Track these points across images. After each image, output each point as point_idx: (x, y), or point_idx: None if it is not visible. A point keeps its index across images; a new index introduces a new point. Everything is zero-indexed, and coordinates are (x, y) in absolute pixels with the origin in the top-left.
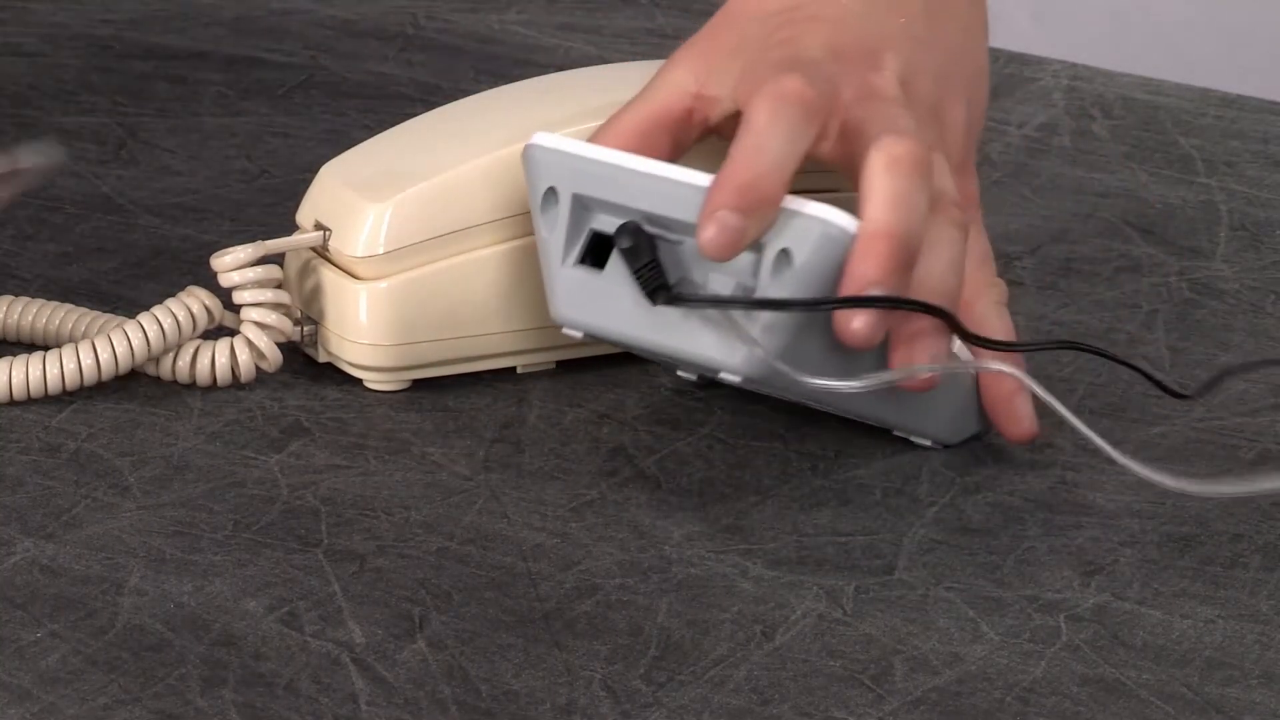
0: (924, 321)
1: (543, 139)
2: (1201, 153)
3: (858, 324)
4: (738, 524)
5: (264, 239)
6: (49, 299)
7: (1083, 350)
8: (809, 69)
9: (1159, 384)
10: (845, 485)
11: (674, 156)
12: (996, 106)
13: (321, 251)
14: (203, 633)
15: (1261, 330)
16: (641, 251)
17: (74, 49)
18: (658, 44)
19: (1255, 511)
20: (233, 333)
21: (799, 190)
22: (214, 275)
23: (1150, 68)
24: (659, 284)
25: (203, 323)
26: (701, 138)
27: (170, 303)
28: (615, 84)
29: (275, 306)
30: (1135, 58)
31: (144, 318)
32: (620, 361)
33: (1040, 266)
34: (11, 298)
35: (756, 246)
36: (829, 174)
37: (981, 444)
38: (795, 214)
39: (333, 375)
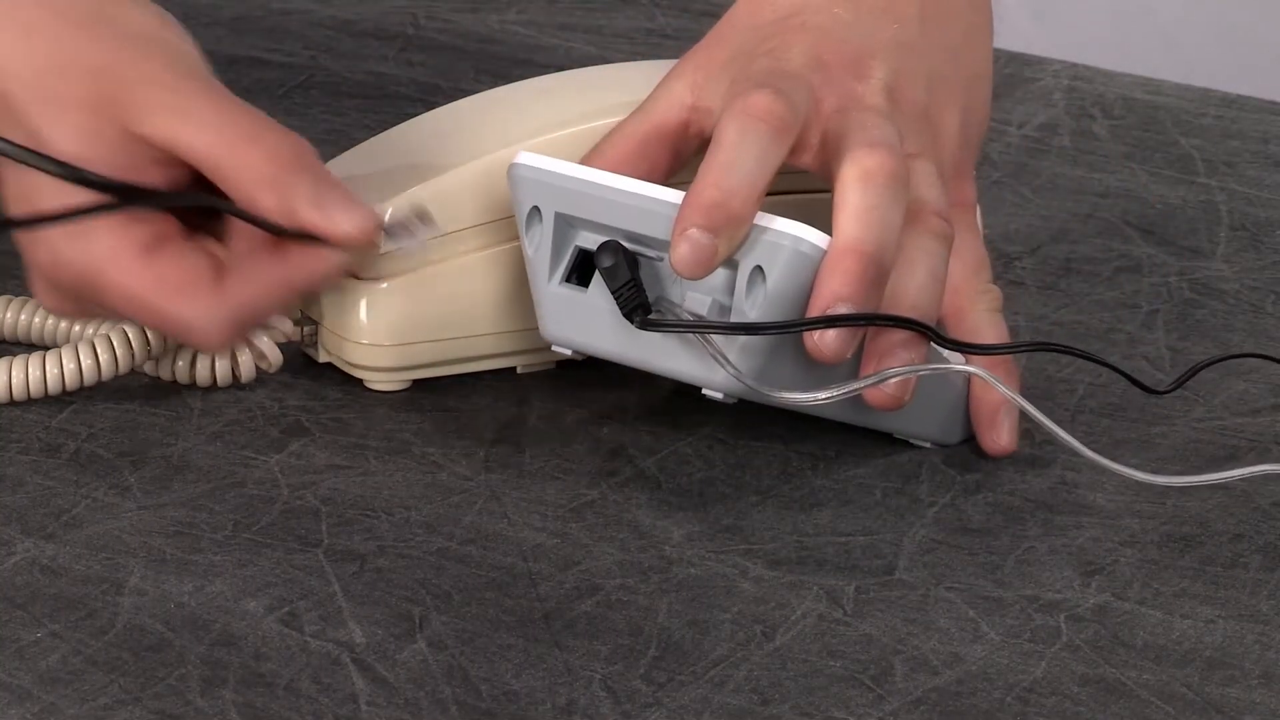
0: (897, 335)
1: (526, 159)
2: (1201, 153)
3: (826, 341)
4: (738, 524)
5: None
6: None
7: (1055, 350)
8: (786, 82)
9: (1132, 380)
10: (845, 485)
11: (674, 168)
12: (996, 106)
13: None
14: (203, 633)
15: (1261, 330)
16: (621, 271)
17: None
18: (658, 44)
19: (1255, 511)
20: None
21: (800, 191)
22: None
23: (1150, 68)
24: (637, 303)
25: None
26: (700, 149)
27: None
28: (615, 84)
29: None
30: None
31: None
32: None
33: (1040, 266)
34: (11, 298)
35: (731, 264)
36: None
37: None
38: (767, 231)
39: (333, 375)
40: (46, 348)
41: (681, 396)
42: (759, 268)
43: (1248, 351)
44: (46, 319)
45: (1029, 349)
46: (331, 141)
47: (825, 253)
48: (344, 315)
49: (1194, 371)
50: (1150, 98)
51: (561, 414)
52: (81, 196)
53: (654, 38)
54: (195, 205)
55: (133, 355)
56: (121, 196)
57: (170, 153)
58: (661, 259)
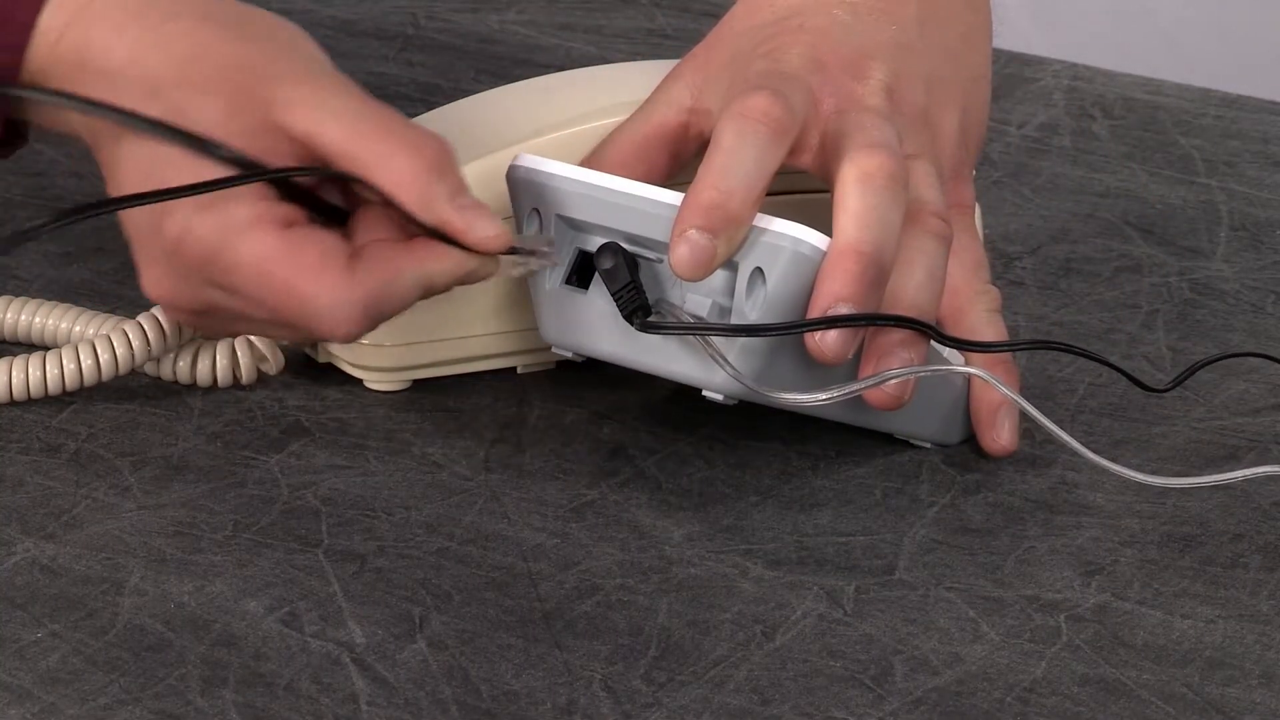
0: (897, 335)
1: (525, 160)
2: (1201, 153)
3: (826, 342)
4: (738, 524)
5: None
6: (49, 299)
7: (1054, 349)
8: (784, 83)
9: (1131, 379)
10: (846, 485)
11: (674, 170)
12: (996, 106)
13: None
14: (203, 633)
15: (1261, 330)
16: (621, 273)
17: None
18: (658, 44)
19: (1256, 512)
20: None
21: (799, 191)
22: None
23: (1150, 68)
24: (637, 305)
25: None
26: (700, 151)
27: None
28: (615, 84)
29: None
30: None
31: (144, 318)
32: None
33: (1040, 266)
34: (11, 298)
35: (731, 265)
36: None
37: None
38: (767, 233)
39: (333, 375)
40: (46, 348)
41: (682, 397)
42: (759, 269)
43: (1247, 351)
44: (47, 319)
45: (1028, 347)
46: None
47: (825, 254)
48: None
49: (1193, 370)
50: (1150, 98)
51: (561, 414)
52: (214, 174)
53: (654, 38)
54: (341, 178)
55: (133, 355)
56: (261, 173)
57: (308, 146)
58: (661, 261)
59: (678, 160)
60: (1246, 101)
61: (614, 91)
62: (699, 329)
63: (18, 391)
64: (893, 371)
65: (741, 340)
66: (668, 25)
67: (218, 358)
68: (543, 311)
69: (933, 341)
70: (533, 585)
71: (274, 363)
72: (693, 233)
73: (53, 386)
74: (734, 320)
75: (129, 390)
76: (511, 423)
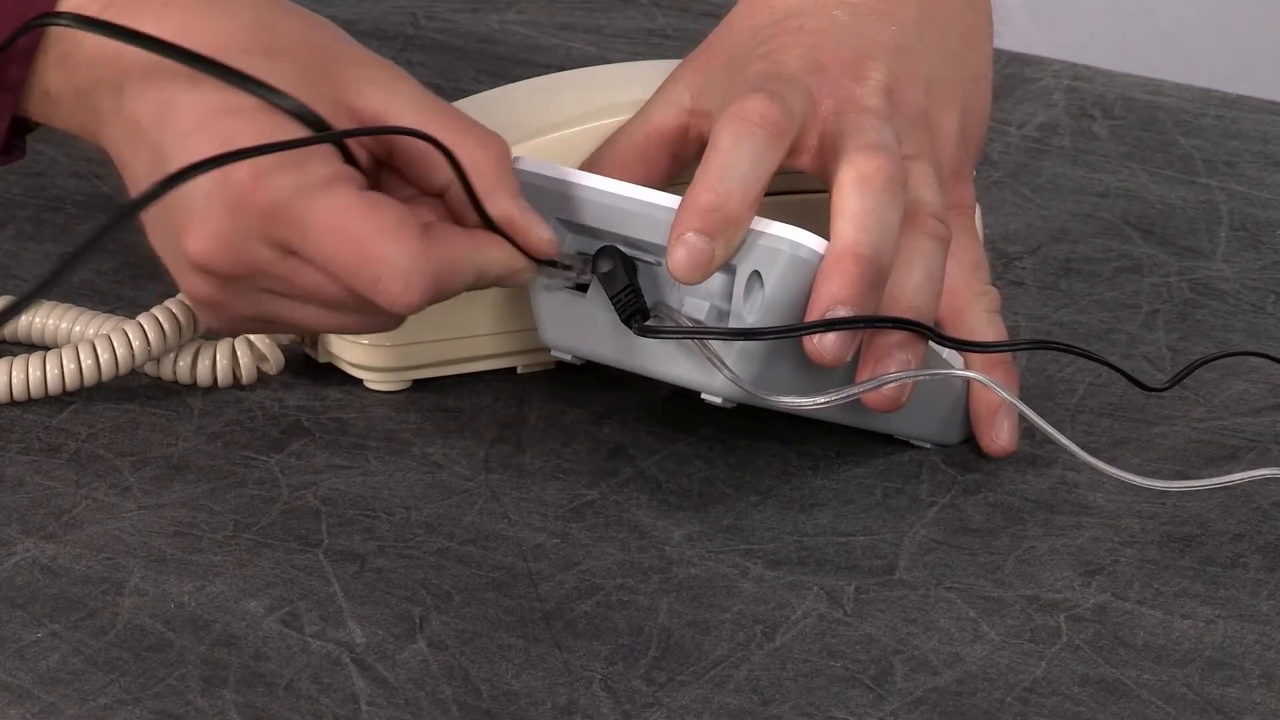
0: (895, 337)
1: (525, 164)
2: (1201, 153)
3: (825, 344)
4: (738, 524)
5: None
6: (49, 299)
7: (1053, 349)
8: (782, 85)
9: (1129, 378)
10: (846, 485)
11: (674, 172)
12: (996, 106)
13: None
14: (203, 633)
15: (1261, 330)
16: (619, 276)
17: None
18: (658, 44)
19: (1256, 512)
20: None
21: (797, 191)
22: None
23: (1150, 68)
24: (635, 309)
25: (203, 324)
26: (699, 153)
27: (171, 303)
28: (615, 84)
29: None
30: (1135, 58)
31: (144, 318)
32: None
33: (1040, 266)
34: (11, 297)
35: (729, 269)
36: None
37: None
38: (765, 235)
39: (333, 375)
40: (46, 348)
41: (682, 397)
42: (757, 273)
43: (1246, 350)
44: (47, 319)
45: (1027, 347)
46: None
47: (823, 257)
48: None
49: (1191, 369)
50: (1150, 98)
51: (561, 414)
52: (283, 128)
53: (654, 38)
54: (437, 145)
55: (133, 355)
56: (357, 131)
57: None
58: (660, 264)
59: (678, 161)
60: (1246, 101)
61: (614, 91)
62: (697, 333)
63: (18, 391)
64: (890, 375)
65: (740, 344)
66: (668, 25)
67: (218, 358)
68: (541, 314)
69: (931, 343)
70: (533, 585)
71: (274, 363)
72: (690, 235)
73: (53, 386)
74: (732, 324)
75: (129, 390)
76: (511, 423)
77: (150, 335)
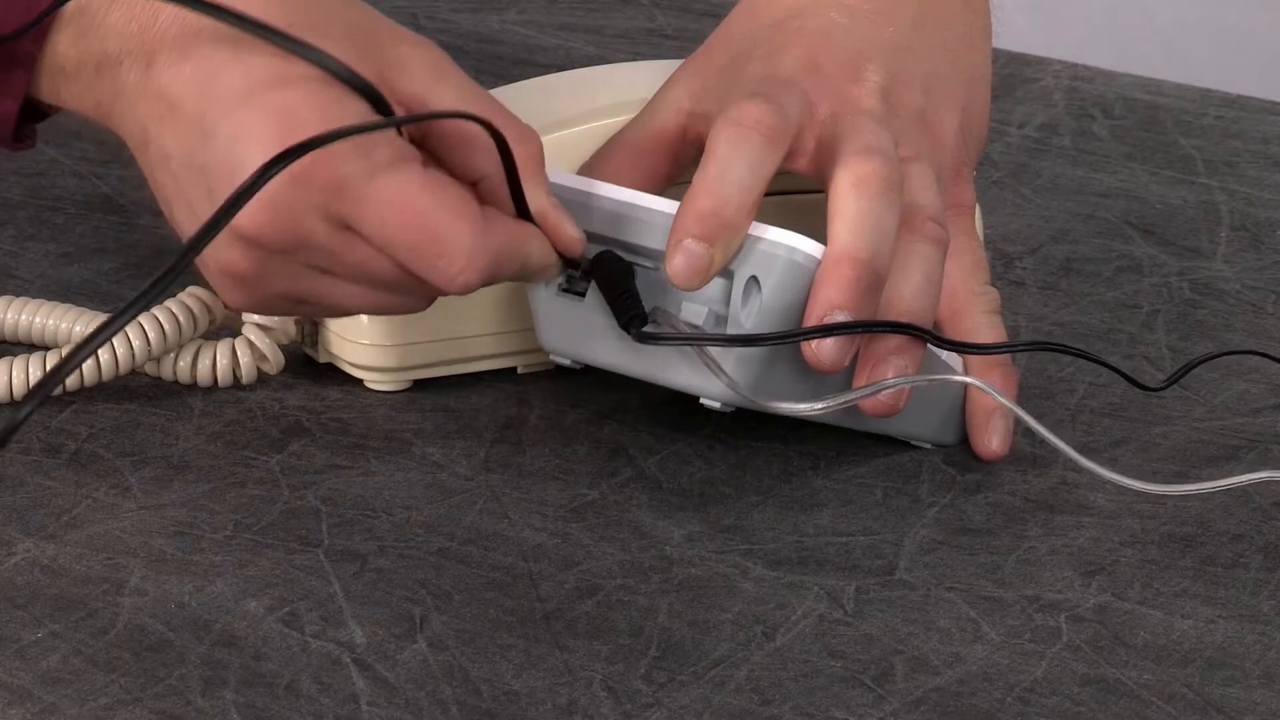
0: (893, 341)
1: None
2: (1202, 153)
3: (823, 350)
4: (739, 524)
5: None
6: (49, 299)
7: (1050, 350)
8: (779, 89)
9: (1127, 378)
10: (846, 485)
11: (674, 175)
12: (996, 106)
13: None
14: (203, 633)
15: (1262, 330)
16: (617, 282)
17: None
18: (658, 44)
19: (1256, 512)
20: (234, 333)
21: (794, 191)
22: None
23: (1150, 68)
24: (633, 315)
25: (203, 323)
26: (698, 156)
27: (171, 303)
28: (615, 84)
29: None
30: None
31: (144, 318)
32: None
33: (1041, 266)
34: (11, 298)
35: (726, 274)
36: None
37: None
38: (762, 241)
39: (333, 375)
40: (46, 348)
41: (682, 397)
42: (754, 278)
43: (1244, 349)
44: (47, 319)
45: (1025, 349)
46: None
47: (820, 262)
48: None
49: (1188, 368)
50: (1150, 98)
51: (562, 414)
52: (341, 100)
53: (654, 38)
54: (483, 124)
55: (133, 355)
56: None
57: (413, 109)
58: (658, 269)
59: (677, 164)
60: (1246, 101)
61: (614, 91)
62: (695, 339)
63: (18, 391)
64: (888, 381)
65: (738, 350)
66: (668, 25)
67: (218, 358)
68: (541, 319)
69: (930, 345)
70: (533, 585)
71: (274, 363)
72: (688, 242)
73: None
74: (730, 329)
75: (129, 390)
76: (512, 423)
77: (150, 335)
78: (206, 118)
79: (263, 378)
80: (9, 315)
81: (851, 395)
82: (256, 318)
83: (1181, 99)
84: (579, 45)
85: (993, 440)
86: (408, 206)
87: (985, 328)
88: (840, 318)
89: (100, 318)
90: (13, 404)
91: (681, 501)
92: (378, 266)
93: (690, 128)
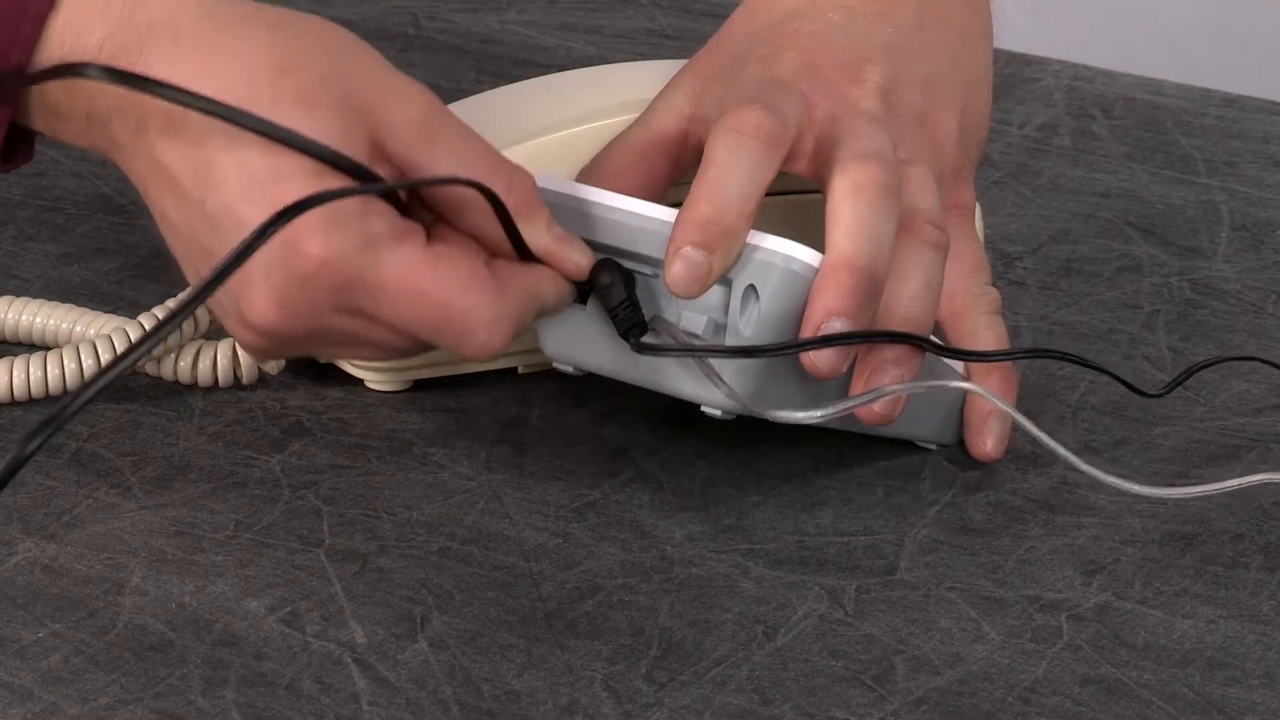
0: (890, 351)
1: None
2: (1202, 153)
3: (820, 358)
4: (739, 524)
5: None
6: (49, 299)
7: (1048, 357)
8: (777, 93)
9: (1127, 385)
10: (847, 485)
11: (675, 178)
12: (996, 106)
13: None
14: (204, 633)
15: (1262, 330)
16: (616, 290)
17: None
18: (658, 44)
19: (1256, 512)
20: None
21: (792, 191)
22: None
23: (1150, 68)
24: (633, 323)
25: (204, 323)
26: (699, 158)
27: (171, 303)
28: (615, 84)
29: None
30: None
31: (144, 318)
32: None
33: (1041, 266)
34: (12, 298)
35: (725, 282)
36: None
37: None
38: (759, 250)
39: (334, 375)
40: (47, 348)
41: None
42: (752, 286)
43: (1244, 355)
44: (47, 319)
45: (1023, 356)
46: None
47: (817, 269)
48: None
49: (1189, 373)
50: (1150, 98)
51: (563, 414)
52: (331, 185)
53: (654, 38)
54: (480, 190)
55: None
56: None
57: (406, 171)
58: (657, 276)
59: (678, 167)
60: (1246, 101)
61: (614, 92)
62: (694, 350)
63: (18, 391)
64: (886, 389)
65: (735, 361)
66: (668, 25)
67: (218, 358)
68: (542, 326)
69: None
70: (534, 585)
71: (274, 363)
72: (687, 249)
73: (53, 386)
74: (729, 337)
75: (129, 390)
76: (513, 423)
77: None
78: (208, 205)
79: (263, 378)
80: (9, 315)
81: (849, 403)
82: None
83: (1181, 99)
84: (579, 45)
85: (987, 442)
86: (419, 292)
87: (986, 329)
88: (838, 325)
89: (101, 318)
90: (12, 404)
91: (683, 501)
92: (400, 340)
93: (691, 132)
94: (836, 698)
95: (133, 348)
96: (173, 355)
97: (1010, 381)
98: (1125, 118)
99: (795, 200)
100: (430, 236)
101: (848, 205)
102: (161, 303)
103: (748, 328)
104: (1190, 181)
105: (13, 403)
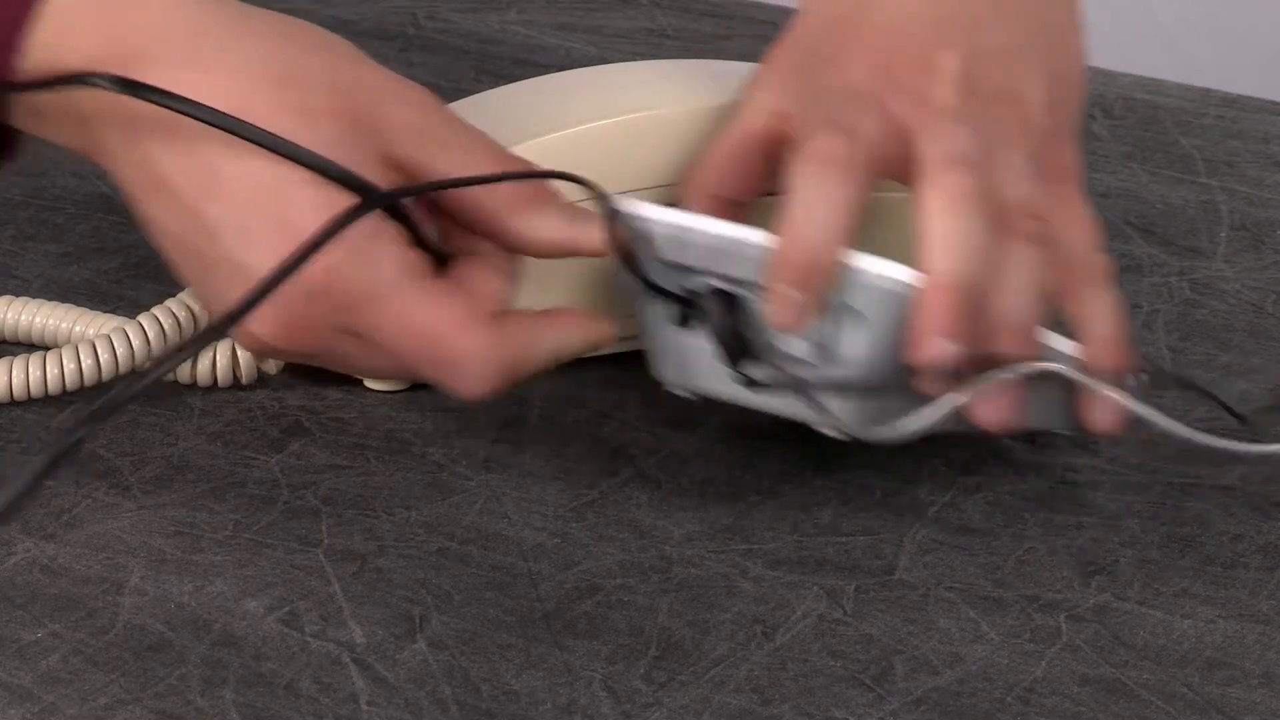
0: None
1: (620, 204)
2: (1202, 153)
3: (936, 388)
4: (738, 524)
5: None
6: (49, 299)
7: (1174, 384)
8: (852, 111)
9: (1229, 409)
10: (846, 485)
11: (772, 175)
12: None
13: None
14: (203, 633)
15: (1262, 330)
16: (722, 320)
17: None
18: (658, 44)
19: (1256, 512)
20: None
21: None
22: None
23: (1150, 68)
24: (742, 353)
25: (203, 324)
26: (791, 151)
27: (171, 303)
28: (615, 84)
29: None
30: (1135, 58)
31: (144, 318)
32: (621, 361)
33: None
34: (11, 298)
35: (827, 304)
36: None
37: (982, 443)
38: (860, 272)
39: (333, 375)
40: (46, 348)
41: (681, 397)
42: (854, 308)
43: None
44: (47, 319)
45: (1142, 382)
46: None
47: (918, 288)
48: None
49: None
50: (1150, 98)
51: (562, 414)
52: (340, 204)
53: (654, 38)
54: (462, 182)
55: (133, 355)
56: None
57: (414, 176)
58: (757, 296)
59: (772, 163)
60: (1246, 101)
61: (614, 92)
62: (801, 385)
63: (18, 391)
64: (994, 374)
65: (845, 384)
66: (668, 25)
67: (218, 358)
68: (655, 354)
69: (1043, 336)
70: (533, 585)
71: (274, 362)
72: (783, 288)
73: (53, 386)
74: (832, 360)
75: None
76: (511, 422)
77: (150, 335)
78: (208, 216)
79: (263, 377)
80: (9, 315)
81: (952, 402)
82: None
83: (1181, 99)
84: (579, 45)
85: (1102, 417)
86: (415, 326)
87: (1095, 300)
88: (945, 345)
89: (101, 317)
90: (12, 404)
91: (681, 501)
92: (397, 367)
93: (778, 128)
94: (836, 698)
95: (167, 358)
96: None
97: (1124, 358)
98: (1125, 117)
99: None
100: (444, 270)
101: (939, 219)
102: (161, 303)
103: (852, 349)
104: (1190, 181)
105: (12, 403)
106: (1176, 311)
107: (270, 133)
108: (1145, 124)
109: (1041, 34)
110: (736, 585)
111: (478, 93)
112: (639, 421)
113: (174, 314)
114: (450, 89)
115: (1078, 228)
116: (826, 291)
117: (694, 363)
